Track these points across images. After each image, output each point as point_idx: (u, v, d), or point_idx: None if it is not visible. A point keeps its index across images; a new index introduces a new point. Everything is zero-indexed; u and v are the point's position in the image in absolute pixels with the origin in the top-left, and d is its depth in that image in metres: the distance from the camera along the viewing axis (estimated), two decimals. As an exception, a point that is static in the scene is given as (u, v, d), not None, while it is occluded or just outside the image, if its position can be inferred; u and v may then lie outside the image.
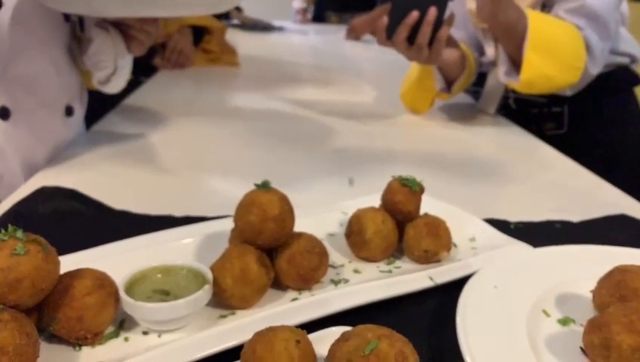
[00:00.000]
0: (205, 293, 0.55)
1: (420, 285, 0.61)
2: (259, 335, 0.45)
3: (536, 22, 1.18)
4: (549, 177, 1.08)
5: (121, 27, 1.12)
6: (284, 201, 0.61)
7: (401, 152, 1.21)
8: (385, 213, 0.69)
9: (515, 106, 1.44)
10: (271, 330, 0.45)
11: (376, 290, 0.59)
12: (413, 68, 1.44)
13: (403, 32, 1.21)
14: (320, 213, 0.78)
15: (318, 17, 3.64)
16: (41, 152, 1.04)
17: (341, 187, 0.98)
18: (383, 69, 2.19)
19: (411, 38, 1.22)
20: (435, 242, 0.66)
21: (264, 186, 0.61)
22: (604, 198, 0.98)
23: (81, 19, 1.13)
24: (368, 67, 2.38)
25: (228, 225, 0.70)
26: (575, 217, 0.85)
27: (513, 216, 0.83)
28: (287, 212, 0.60)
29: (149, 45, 1.17)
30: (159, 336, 0.54)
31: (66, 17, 1.09)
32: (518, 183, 1.04)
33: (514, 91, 1.40)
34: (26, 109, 0.99)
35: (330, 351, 0.45)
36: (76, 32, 1.13)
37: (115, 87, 1.19)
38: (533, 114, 1.43)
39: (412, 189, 0.68)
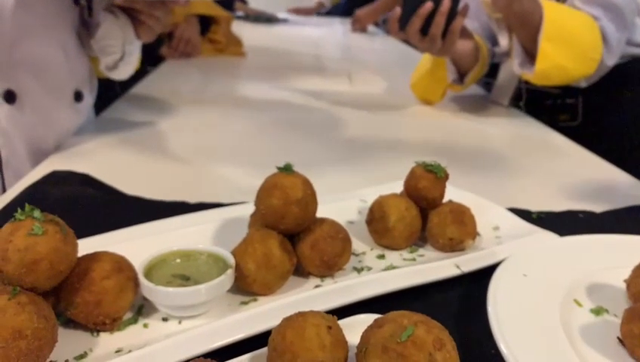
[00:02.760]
0: (228, 278, 0.53)
1: (447, 273, 0.59)
2: (288, 320, 0.43)
3: (552, 12, 1.16)
4: (566, 168, 1.06)
5: (130, 12, 1.09)
6: (307, 185, 0.59)
7: (414, 142, 1.19)
8: (408, 199, 0.67)
9: (527, 95, 1.42)
10: (301, 315, 0.43)
11: (403, 278, 0.57)
12: (425, 58, 1.42)
13: (416, 22, 1.18)
14: (338, 201, 0.76)
15: (348, 13, 3.55)
16: (49, 138, 1.02)
17: (354, 176, 0.96)
18: (389, 60, 2.17)
19: (424, 29, 1.19)
20: (460, 230, 0.64)
21: (286, 169, 0.59)
22: (622, 189, 0.96)
23: (89, 4, 1.10)
24: (374, 58, 2.36)
25: (245, 210, 0.68)
26: (595, 207, 0.83)
27: (533, 206, 0.82)
28: (310, 196, 0.58)
29: (159, 32, 1.15)
30: (179, 323, 0.52)
31: (75, 0, 1.07)
32: (535, 174, 1.02)
33: (527, 83, 1.38)
34: (32, 93, 0.97)
35: (363, 337, 0.43)
36: (85, 16, 1.11)
37: (122, 73, 1.17)
38: (546, 105, 1.41)
39: (437, 175, 0.66)
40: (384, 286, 0.55)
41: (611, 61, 1.23)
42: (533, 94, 1.42)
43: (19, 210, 0.47)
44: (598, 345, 0.51)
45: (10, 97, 0.94)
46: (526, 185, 0.97)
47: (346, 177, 0.95)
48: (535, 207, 0.81)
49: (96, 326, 0.50)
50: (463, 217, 0.65)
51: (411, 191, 0.67)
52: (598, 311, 0.55)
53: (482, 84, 1.59)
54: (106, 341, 0.50)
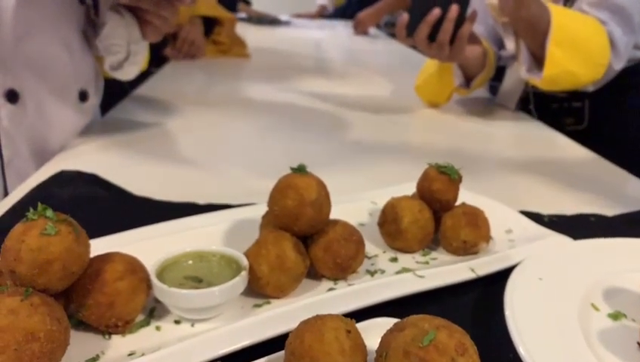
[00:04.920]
0: (242, 280, 0.52)
1: (461, 276, 0.59)
2: (306, 324, 0.42)
3: (560, 17, 1.15)
4: (575, 171, 1.06)
5: (137, 12, 1.08)
6: (322, 186, 0.58)
7: (420, 145, 1.18)
8: (421, 201, 0.66)
9: (533, 99, 1.42)
10: (319, 319, 0.42)
11: (420, 281, 0.56)
12: (430, 61, 1.41)
13: (424, 29, 1.17)
14: (347, 202, 0.75)
15: (351, 16, 3.53)
16: (52, 138, 1.01)
17: (360, 178, 0.95)
18: (392, 63, 2.16)
19: (432, 36, 1.19)
20: (474, 232, 0.63)
21: (300, 170, 0.58)
22: (632, 192, 0.96)
23: (96, 3, 1.10)
24: (377, 60, 2.36)
25: (255, 211, 0.67)
26: (606, 211, 0.82)
27: (542, 209, 0.81)
28: (324, 197, 0.57)
29: (165, 32, 1.14)
30: (192, 325, 0.51)
31: (81, 0, 1.06)
32: (543, 177, 1.01)
33: (534, 86, 1.37)
34: (36, 93, 0.96)
35: (383, 341, 0.42)
36: (91, 16, 1.10)
37: (127, 73, 1.16)
38: (552, 109, 1.40)
39: (451, 177, 0.65)
40: (401, 290, 0.54)
41: (619, 65, 1.23)
42: (539, 98, 1.41)
43: (31, 210, 0.46)
44: (617, 349, 0.50)
45: (12, 97, 0.93)
46: (535, 188, 0.96)
47: (352, 179, 0.94)
48: (545, 210, 0.81)
49: (108, 328, 0.49)
50: (476, 220, 0.64)
51: (424, 193, 0.66)
52: (616, 316, 0.55)
53: (488, 87, 1.59)
54: (118, 344, 0.49)
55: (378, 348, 0.42)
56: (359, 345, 0.42)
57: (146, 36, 1.11)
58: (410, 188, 0.71)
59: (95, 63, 1.13)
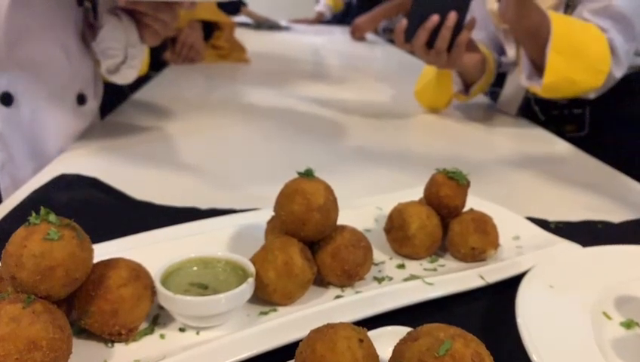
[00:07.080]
0: (249, 287, 0.51)
1: (471, 284, 0.58)
2: (318, 332, 0.41)
3: (560, 25, 1.15)
4: (577, 177, 1.05)
5: (135, 15, 1.07)
6: (329, 191, 0.57)
7: (421, 150, 1.17)
8: (429, 207, 0.65)
9: (538, 107, 1.41)
10: (331, 328, 0.41)
11: (429, 288, 0.55)
12: (429, 67, 1.41)
13: (422, 35, 1.17)
14: (352, 208, 0.73)
15: (349, 22, 3.52)
16: (50, 141, 0.99)
17: (361, 183, 0.94)
18: (390, 68, 2.16)
19: (430, 42, 1.18)
20: (482, 239, 0.63)
21: (307, 174, 0.57)
22: (635, 199, 0.95)
23: (94, 6, 1.08)
24: (376, 66, 2.36)
25: (259, 216, 0.66)
26: (611, 217, 0.82)
27: (547, 216, 0.80)
28: (331, 202, 0.56)
29: (165, 35, 1.13)
30: (197, 334, 0.50)
31: (79, 2, 1.05)
32: (545, 183, 1.00)
33: (534, 94, 1.37)
34: (31, 95, 0.95)
35: (396, 350, 0.41)
36: (90, 19, 1.09)
37: (124, 77, 1.14)
38: (553, 115, 1.40)
39: (459, 183, 0.64)
40: (411, 297, 0.53)
41: (620, 73, 1.22)
42: (540, 104, 1.41)
43: (33, 214, 0.45)
44: (631, 359, 0.49)
45: (6, 99, 0.91)
46: (538, 194, 0.96)
47: (352, 183, 0.93)
48: (549, 216, 0.80)
49: (112, 336, 0.47)
50: (485, 226, 0.63)
51: (432, 198, 0.65)
52: (628, 325, 0.54)
53: (488, 93, 1.59)
54: (122, 352, 0.47)
55: (391, 357, 0.41)
56: (372, 355, 0.41)
57: (144, 40, 1.09)
58: (416, 194, 0.70)
59: (94, 67, 1.12)
